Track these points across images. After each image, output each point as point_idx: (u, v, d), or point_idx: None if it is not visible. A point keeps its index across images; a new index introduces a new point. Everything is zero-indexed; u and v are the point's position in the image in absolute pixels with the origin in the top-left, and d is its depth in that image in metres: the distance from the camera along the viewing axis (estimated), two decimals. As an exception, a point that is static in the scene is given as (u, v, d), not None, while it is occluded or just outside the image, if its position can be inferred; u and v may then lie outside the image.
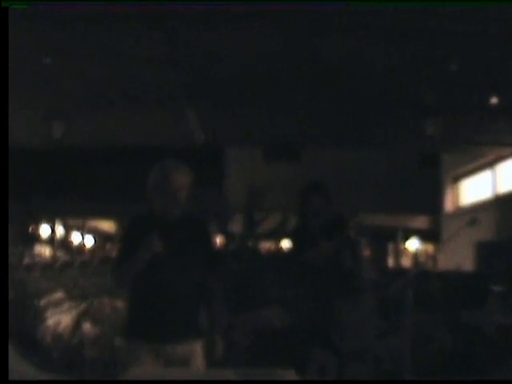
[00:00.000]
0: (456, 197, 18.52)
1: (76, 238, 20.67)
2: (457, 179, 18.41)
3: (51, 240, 18.72)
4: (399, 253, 20.23)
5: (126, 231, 4.39)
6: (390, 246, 20.59)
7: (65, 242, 19.85)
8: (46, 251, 18.11)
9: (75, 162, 15.82)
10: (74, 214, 18.78)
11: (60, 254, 17.66)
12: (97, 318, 8.10)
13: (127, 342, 4.23)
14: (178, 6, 6.63)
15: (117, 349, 7.22)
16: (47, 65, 8.57)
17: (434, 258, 19.92)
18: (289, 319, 7.29)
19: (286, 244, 14.38)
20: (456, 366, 7.40)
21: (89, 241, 20.90)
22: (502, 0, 6.46)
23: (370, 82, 9.38)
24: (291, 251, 5.84)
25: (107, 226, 20.95)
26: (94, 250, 20.07)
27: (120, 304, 7.76)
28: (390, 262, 20.25)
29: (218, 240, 13.30)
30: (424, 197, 18.19)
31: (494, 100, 9.68)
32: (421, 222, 20.25)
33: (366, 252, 10.78)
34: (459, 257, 14.30)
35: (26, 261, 10.85)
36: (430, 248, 20.67)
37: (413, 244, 20.23)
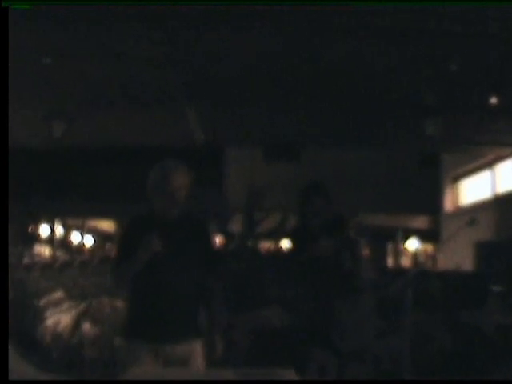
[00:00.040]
0: (456, 197, 18.51)
1: (76, 237, 20.67)
2: (456, 179, 18.40)
3: (51, 240, 18.72)
4: (399, 253, 20.21)
5: (125, 231, 4.38)
6: (390, 246, 20.58)
7: (64, 242, 19.86)
8: (45, 251, 18.12)
9: (75, 161, 15.82)
10: (74, 213, 18.79)
11: (60, 253, 17.68)
12: (96, 318, 8.09)
13: (127, 341, 4.23)
14: (178, 6, 6.64)
15: (116, 349, 7.20)
16: (47, 65, 8.57)
17: (433, 257, 19.90)
18: (289, 319, 7.26)
19: (285, 244, 14.40)
20: (456, 365, 7.40)
21: (88, 241, 20.90)
22: (502, 0, 6.46)
23: (370, 82, 9.38)
24: (291, 251, 5.83)
25: (107, 225, 20.95)
26: (93, 249, 20.08)
27: (119, 304, 7.76)
28: (390, 261, 20.24)
29: (218, 240, 13.31)
30: (424, 197, 18.19)
31: (493, 100, 9.68)
32: (420, 221, 20.25)
33: (366, 252, 10.80)
34: (459, 257, 14.30)
35: (26, 260, 10.88)
36: (429, 248, 20.65)
37: (412, 244, 20.20)
